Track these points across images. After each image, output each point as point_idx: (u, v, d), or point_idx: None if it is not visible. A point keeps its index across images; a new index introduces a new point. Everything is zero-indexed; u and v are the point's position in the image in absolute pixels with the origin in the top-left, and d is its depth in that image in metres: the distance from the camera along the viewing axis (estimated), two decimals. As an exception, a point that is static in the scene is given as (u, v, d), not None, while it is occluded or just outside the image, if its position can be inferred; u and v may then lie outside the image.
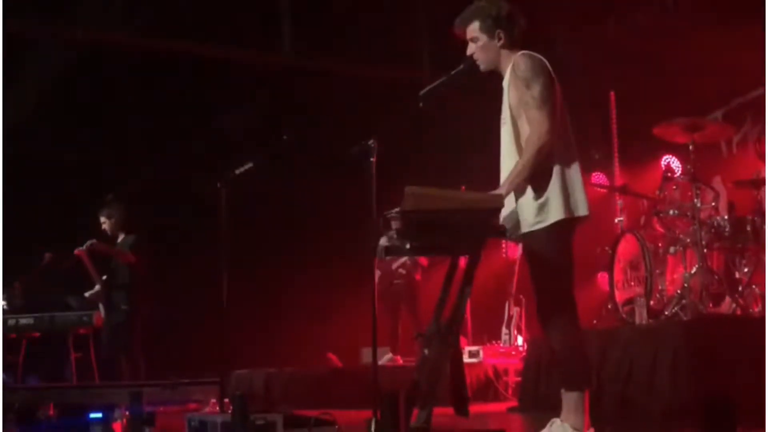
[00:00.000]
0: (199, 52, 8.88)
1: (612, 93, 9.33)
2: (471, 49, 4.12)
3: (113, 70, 8.72)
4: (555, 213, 3.86)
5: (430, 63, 9.26)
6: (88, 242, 7.48)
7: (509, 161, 3.98)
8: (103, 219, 7.87)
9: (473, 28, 4.08)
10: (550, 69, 3.97)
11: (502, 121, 4.08)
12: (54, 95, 8.86)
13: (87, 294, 7.77)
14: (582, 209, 3.90)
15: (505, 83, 4.06)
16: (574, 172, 3.93)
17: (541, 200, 3.88)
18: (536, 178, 3.89)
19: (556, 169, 3.89)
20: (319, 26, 9.00)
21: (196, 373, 6.73)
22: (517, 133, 3.97)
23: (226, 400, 5.70)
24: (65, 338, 8.02)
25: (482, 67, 4.12)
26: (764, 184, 6.35)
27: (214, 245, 5.70)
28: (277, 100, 9.39)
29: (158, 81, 8.87)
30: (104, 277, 7.71)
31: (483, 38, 4.07)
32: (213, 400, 6.57)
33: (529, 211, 3.91)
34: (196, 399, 6.74)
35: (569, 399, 3.89)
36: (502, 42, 4.05)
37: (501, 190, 3.86)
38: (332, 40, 8.97)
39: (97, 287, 7.73)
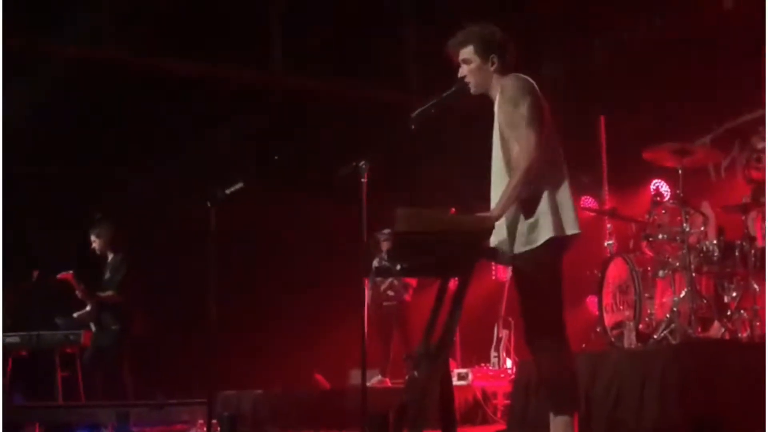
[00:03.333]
0: (189, 70, 8.91)
1: (602, 117, 9.39)
2: (463, 71, 4.15)
3: (102, 88, 8.72)
4: (545, 232, 3.86)
5: (419, 85, 9.31)
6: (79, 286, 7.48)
7: (500, 183, 3.99)
8: (93, 238, 7.85)
9: (467, 51, 4.11)
10: (538, 89, 3.99)
11: (494, 143, 4.10)
12: (43, 111, 8.84)
13: (75, 314, 7.72)
14: (572, 228, 3.91)
15: (496, 107, 4.09)
16: (564, 191, 3.94)
17: (531, 220, 3.89)
18: (526, 198, 3.90)
19: (546, 189, 3.90)
20: (310, 47, 9.04)
21: (184, 394, 6.69)
22: (507, 154, 3.99)
23: (214, 421, 5.66)
24: (52, 357, 7.96)
25: (473, 90, 4.15)
26: (751, 209, 6.38)
27: (202, 265, 5.68)
28: (268, 119, 9.39)
29: (147, 99, 8.87)
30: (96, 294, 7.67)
31: (477, 61, 4.10)
32: (200, 421, 6.52)
33: (519, 232, 3.91)
34: (183, 420, 6.69)
35: (558, 423, 3.88)
36: (495, 66, 4.08)
37: (493, 213, 3.87)
38: (322, 60, 9.01)
39: (88, 307, 7.69)
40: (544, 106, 4.00)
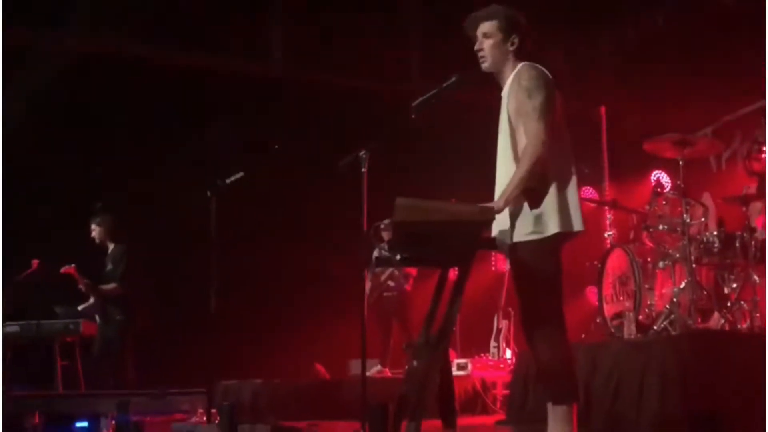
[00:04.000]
0: (190, 62, 8.89)
1: (602, 108, 9.39)
2: (480, 44, 4.08)
3: (101, 79, 8.70)
4: (552, 226, 3.84)
5: (420, 74, 9.29)
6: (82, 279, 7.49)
7: (504, 170, 3.97)
8: (93, 227, 7.84)
9: (490, 25, 4.06)
10: (553, 81, 3.98)
11: (500, 130, 4.08)
12: (42, 103, 8.83)
13: (80, 307, 7.71)
14: (577, 224, 3.90)
15: (505, 92, 4.05)
16: (572, 186, 3.92)
17: (537, 212, 3.85)
18: (533, 189, 3.87)
19: (554, 182, 3.88)
20: (310, 37, 9.02)
21: (184, 383, 6.70)
22: (514, 142, 3.96)
23: (214, 410, 5.67)
24: (51, 346, 7.97)
25: (485, 66, 4.09)
26: (752, 200, 6.39)
27: (203, 255, 5.69)
28: (268, 109, 9.38)
29: (148, 90, 8.85)
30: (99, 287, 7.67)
31: (498, 37, 4.05)
32: (200, 411, 6.53)
33: (523, 222, 3.89)
34: (183, 409, 6.69)
35: (557, 413, 3.87)
36: (514, 47, 4.04)
37: (498, 204, 3.85)
38: (322, 50, 8.99)
39: (92, 300, 7.68)
40: (557, 99, 3.98)
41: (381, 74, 9.24)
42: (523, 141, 3.91)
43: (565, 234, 3.87)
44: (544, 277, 3.90)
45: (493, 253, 9.22)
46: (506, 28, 4.05)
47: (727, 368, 4.87)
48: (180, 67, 8.92)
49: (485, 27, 4.07)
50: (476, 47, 4.09)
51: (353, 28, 8.94)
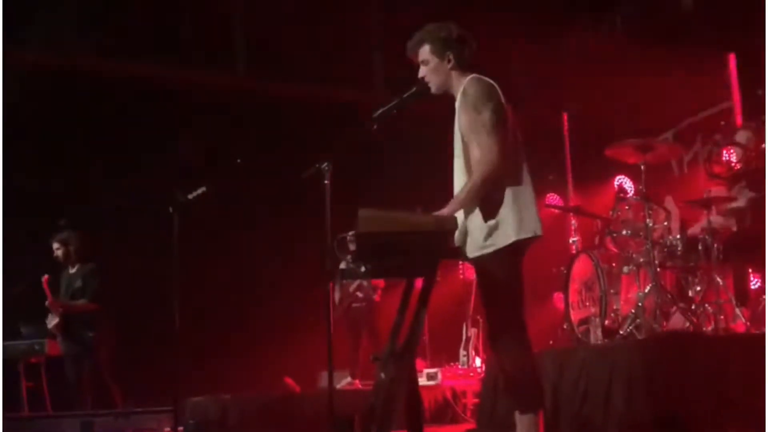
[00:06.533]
0: (152, 75, 8.83)
1: (565, 115, 9.45)
2: (422, 71, 4.14)
3: (60, 93, 8.60)
4: (506, 236, 3.86)
5: (383, 86, 9.31)
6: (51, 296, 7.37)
7: (461, 184, 3.99)
8: (56, 245, 7.69)
9: (424, 51, 4.11)
10: (500, 93, 3.99)
11: (455, 144, 4.09)
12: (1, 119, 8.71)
13: (50, 326, 7.57)
14: (533, 230, 3.91)
15: (458, 106, 4.07)
16: (527, 193, 3.94)
17: (491, 223, 3.87)
18: (487, 201, 3.89)
19: (508, 192, 3.89)
20: (273, 49, 9.01)
21: (150, 401, 6.62)
22: (467, 156, 3.98)
23: (181, 428, 5.62)
24: (16, 367, 7.85)
25: (433, 89, 4.14)
26: (720, 203, 6.46)
27: (166, 270, 5.63)
28: (231, 123, 9.34)
29: (109, 104, 8.77)
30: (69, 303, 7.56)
31: (433, 60, 4.09)
32: (167, 429, 6.46)
33: (478, 234, 3.91)
34: (149, 428, 6.62)
35: (523, 421, 3.88)
36: (451, 64, 4.07)
37: (444, 211, 3.85)
38: (286, 62, 8.98)
39: (57, 318, 7.54)
40: (507, 110, 3.99)
41: (344, 85, 9.24)
42: (476, 154, 3.91)
43: (521, 242, 3.89)
44: (505, 287, 3.91)
45: (461, 262, 9.23)
46: (439, 49, 4.07)
47: (693, 371, 4.90)
48: (142, 80, 8.85)
49: (421, 54, 4.12)
50: (419, 75, 4.14)
51: (316, 39, 8.94)
